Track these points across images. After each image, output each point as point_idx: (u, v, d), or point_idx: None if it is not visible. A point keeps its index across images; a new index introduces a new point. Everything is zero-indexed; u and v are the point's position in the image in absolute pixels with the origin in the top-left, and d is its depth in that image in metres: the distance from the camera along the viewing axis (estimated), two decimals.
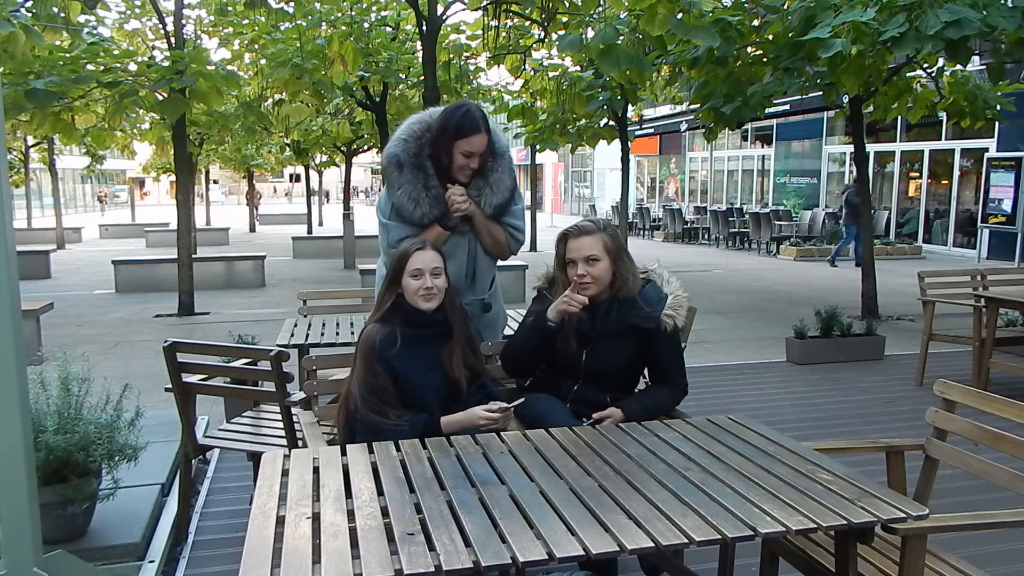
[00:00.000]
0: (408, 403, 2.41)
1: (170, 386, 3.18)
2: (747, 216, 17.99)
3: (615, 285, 2.64)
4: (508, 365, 2.82)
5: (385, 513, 1.73)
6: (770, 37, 7.88)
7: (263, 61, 10.68)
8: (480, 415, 2.36)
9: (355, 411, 2.38)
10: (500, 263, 3.13)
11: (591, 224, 2.68)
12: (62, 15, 7.82)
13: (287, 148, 21.46)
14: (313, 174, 27.13)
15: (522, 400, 2.49)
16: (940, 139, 16.57)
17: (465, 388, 2.51)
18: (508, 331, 3.31)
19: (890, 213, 17.89)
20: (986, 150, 14.93)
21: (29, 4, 7.72)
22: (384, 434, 2.26)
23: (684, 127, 22.82)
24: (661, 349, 2.68)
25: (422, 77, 8.90)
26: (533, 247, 16.85)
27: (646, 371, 2.84)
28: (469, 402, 2.46)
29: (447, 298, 2.50)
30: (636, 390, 2.81)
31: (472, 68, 11.99)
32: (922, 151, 17.15)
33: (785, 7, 7.66)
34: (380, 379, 2.38)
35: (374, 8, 11.53)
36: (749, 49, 8.32)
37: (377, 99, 12.09)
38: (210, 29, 12.57)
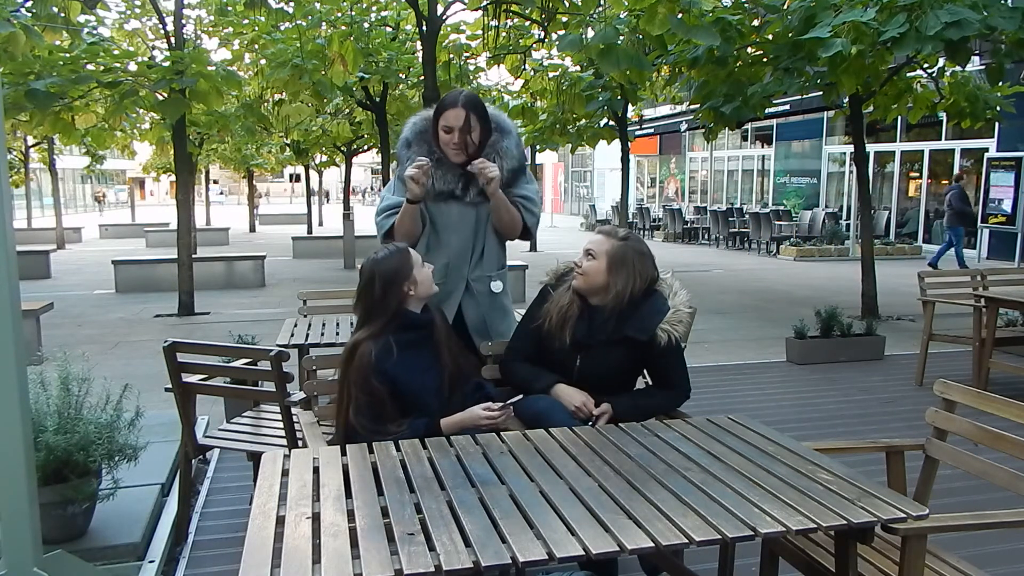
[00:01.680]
0: (407, 410, 2.41)
1: (170, 386, 3.18)
2: (747, 216, 17.98)
3: (603, 293, 2.62)
4: (507, 382, 2.81)
5: (385, 513, 1.73)
6: (770, 37, 7.88)
7: (263, 61, 10.68)
8: (480, 414, 2.36)
9: (353, 428, 2.37)
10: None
11: (613, 228, 2.72)
12: (62, 15, 7.82)
13: (287, 148, 21.47)
14: (313, 174, 27.14)
15: (520, 397, 2.49)
16: (940, 139, 16.57)
17: (459, 381, 2.51)
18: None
19: (890, 213, 17.89)
20: (986, 150, 14.94)
21: (29, 4, 7.71)
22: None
23: (684, 127, 22.83)
24: (659, 360, 2.65)
25: (422, 77, 8.90)
26: (533, 247, 16.84)
27: (646, 372, 2.84)
28: (467, 403, 2.46)
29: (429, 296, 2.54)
30: (635, 389, 2.81)
31: (472, 68, 11.98)
32: (922, 151, 17.15)
33: (785, 7, 7.66)
34: (376, 395, 2.35)
35: (374, 8, 11.53)
36: (749, 49, 8.32)
37: (377, 99, 12.10)
38: (210, 29, 12.57)
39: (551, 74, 11.47)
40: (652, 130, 24.61)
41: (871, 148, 14.45)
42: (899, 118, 12.30)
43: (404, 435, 2.30)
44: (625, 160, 12.35)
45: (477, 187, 2.85)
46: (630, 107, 12.44)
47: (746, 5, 7.97)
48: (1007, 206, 13.92)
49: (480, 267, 2.97)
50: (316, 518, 1.71)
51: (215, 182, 44.58)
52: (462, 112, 2.78)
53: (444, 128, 2.80)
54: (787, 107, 16.63)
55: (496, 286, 3.01)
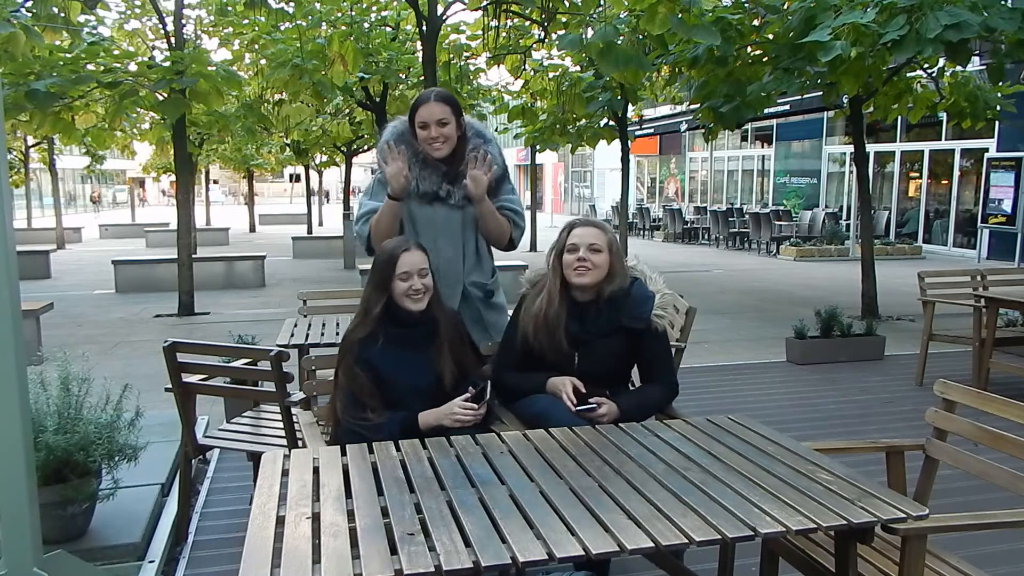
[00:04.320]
0: (391, 404, 2.41)
1: (170, 386, 3.18)
2: (747, 216, 17.98)
3: (605, 282, 2.66)
4: (501, 391, 2.81)
5: (385, 513, 1.73)
6: (770, 37, 7.88)
7: (263, 61, 10.68)
8: (457, 403, 2.37)
9: (338, 419, 2.39)
10: (499, 262, 3.13)
11: (597, 220, 2.80)
12: (62, 15, 7.82)
13: (287, 148, 21.47)
14: (313, 174, 27.13)
15: (485, 384, 2.43)
16: (940, 139, 16.57)
17: (453, 385, 2.49)
18: None
19: (890, 213, 17.89)
20: (986, 150, 14.94)
21: (29, 4, 7.71)
22: (364, 436, 2.26)
23: (684, 127, 22.81)
24: (651, 349, 2.71)
25: (422, 77, 8.90)
26: (533, 247, 16.83)
27: (636, 366, 2.85)
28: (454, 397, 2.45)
29: (435, 296, 2.51)
30: (630, 386, 2.82)
31: (472, 68, 11.98)
32: (922, 151, 17.15)
33: (785, 7, 7.66)
34: (359, 380, 2.37)
35: (374, 8, 11.53)
36: (749, 49, 8.32)
37: (377, 99, 12.09)
38: (210, 29, 12.57)
39: (551, 74, 11.47)
40: (652, 130, 24.60)
41: (871, 148, 14.46)
42: (899, 118, 12.31)
43: (381, 426, 2.31)
44: (625, 160, 12.34)
45: (462, 189, 2.84)
46: (630, 107, 12.43)
47: (746, 5, 7.97)
48: (1007, 206, 13.93)
49: (477, 272, 2.97)
50: (316, 518, 1.71)
51: (215, 182, 44.58)
52: (434, 106, 2.81)
53: (420, 125, 2.83)
54: (787, 107, 16.63)
55: (498, 297, 3.05)
